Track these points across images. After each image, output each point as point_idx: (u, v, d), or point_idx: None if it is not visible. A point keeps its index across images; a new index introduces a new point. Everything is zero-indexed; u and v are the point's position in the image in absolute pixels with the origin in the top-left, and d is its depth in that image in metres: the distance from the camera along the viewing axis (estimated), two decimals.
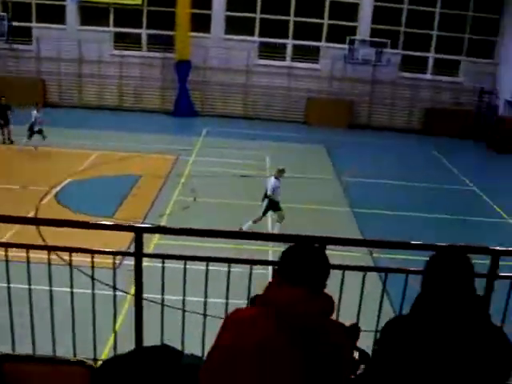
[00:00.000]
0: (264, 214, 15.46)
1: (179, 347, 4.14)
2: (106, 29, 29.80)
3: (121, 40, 30.48)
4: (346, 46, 29.24)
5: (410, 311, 2.86)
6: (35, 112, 21.49)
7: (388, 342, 2.82)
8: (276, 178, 15.50)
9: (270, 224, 15.56)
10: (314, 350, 2.71)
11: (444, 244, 4.18)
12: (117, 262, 4.60)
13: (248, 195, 17.97)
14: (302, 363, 2.69)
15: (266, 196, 15.45)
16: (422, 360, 2.68)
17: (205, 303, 4.46)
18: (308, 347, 2.70)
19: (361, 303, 4.25)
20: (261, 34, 29.91)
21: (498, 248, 4.27)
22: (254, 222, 15.20)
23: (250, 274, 4.22)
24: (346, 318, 3.82)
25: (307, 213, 16.94)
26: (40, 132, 21.35)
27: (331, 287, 3.60)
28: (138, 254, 4.13)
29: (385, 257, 12.63)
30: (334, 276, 4.18)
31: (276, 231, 14.84)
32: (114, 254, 4.39)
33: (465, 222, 17.46)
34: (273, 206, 15.42)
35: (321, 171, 21.55)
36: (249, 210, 16.60)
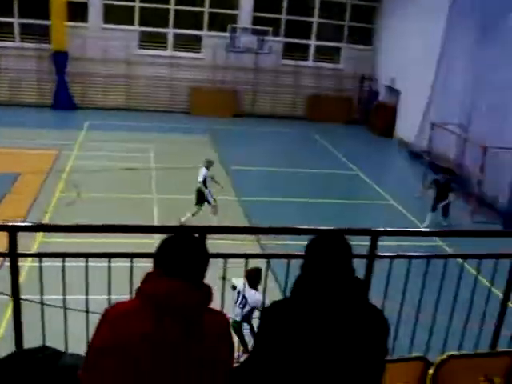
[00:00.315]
0: (198, 204, 15.49)
1: (62, 347, 4.02)
2: None
3: None
4: (228, 35, 29.29)
5: (289, 295, 2.88)
6: None
7: (267, 327, 2.83)
8: (206, 168, 15.59)
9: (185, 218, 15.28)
10: (196, 343, 2.69)
11: (325, 228, 4.27)
12: None
13: (133, 188, 17.74)
14: (184, 356, 2.66)
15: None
16: (303, 342, 2.72)
17: (86, 300, 4.36)
18: (190, 339, 2.67)
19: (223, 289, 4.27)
20: (141, 23, 29.38)
21: (376, 229, 4.42)
22: (193, 214, 15.32)
23: (131, 268, 4.15)
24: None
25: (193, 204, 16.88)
26: None
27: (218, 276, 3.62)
28: (13, 254, 3.98)
29: (273, 243, 12.84)
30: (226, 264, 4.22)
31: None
32: None
33: (350, 206, 18.02)
34: (201, 197, 15.44)
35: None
36: (135, 203, 16.40)
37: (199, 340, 2.69)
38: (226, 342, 2.84)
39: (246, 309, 9.48)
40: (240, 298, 9.53)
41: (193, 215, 15.40)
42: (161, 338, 2.63)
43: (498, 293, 5.65)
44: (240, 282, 9.47)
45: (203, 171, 15.56)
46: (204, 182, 15.47)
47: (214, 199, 15.58)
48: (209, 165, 15.78)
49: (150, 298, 2.68)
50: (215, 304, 2.93)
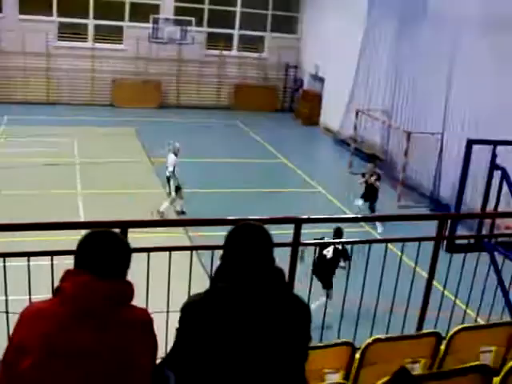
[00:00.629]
0: (176, 192, 15.56)
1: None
2: None
3: None
4: (150, 25, 28.84)
5: (209, 286, 2.84)
6: None
7: (187, 320, 2.78)
8: (175, 154, 15.57)
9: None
10: (109, 341, 2.62)
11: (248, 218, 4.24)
12: None
13: (57, 184, 17.29)
14: (94, 356, 2.58)
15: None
16: (223, 332, 2.68)
17: (6, 301, 4.23)
18: (102, 337, 2.60)
19: (169, 282, 4.22)
20: (60, 14, 28.53)
21: (299, 217, 4.42)
22: (171, 202, 15.50)
23: (52, 266, 4.03)
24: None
25: (119, 197, 16.62)
26: None
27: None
28: None
29: (200, 235, 12.79)
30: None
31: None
32: None
33: (277, 195, 18.10)
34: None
35: (131, 154, 21.21)
36: (59, 199, 16.00)
37: (113, 337, 2.62)
38: (145, 338, 2.76)
39: None
40: None
41: (171, 203, 15.58)
42: (69, 338, 2.56)
43: (424, 274, 5.77)
44: None
45: (172, 158, 15.50)
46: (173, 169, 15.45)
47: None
48: (177, 151, 15.66)
49: (67, 297, 2.60)
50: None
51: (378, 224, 15.58)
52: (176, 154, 15.66)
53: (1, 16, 27.41)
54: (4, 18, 27.36)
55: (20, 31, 27.27)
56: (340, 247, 10.12)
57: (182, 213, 15.66)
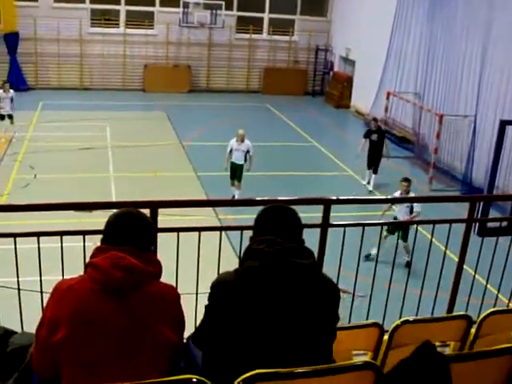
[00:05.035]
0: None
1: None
2: None
3: None
4: (181, 10, 28.86)
5: (239, 265, 2.88)
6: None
7: (216, 298, 2.82)
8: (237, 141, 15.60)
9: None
10: (134, 314, 2.71)
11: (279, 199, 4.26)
12: None
13: (90, 168, 17.51)
14: (126, 326, 2.68)
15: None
16: (253, 311, 2.72)
17: (40, 281, 4.33)
18: (128, 311, 2.70)
19: (198, 263, 4.28)
20: (92, 1, 28.75)
21: (328, 197, 4.43)
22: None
23: (84, 246, 4.12)
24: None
25: (153, 180, 16.78)
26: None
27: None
28: None
29: (231, 218, 12.85)
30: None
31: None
32: None
33: (308, 178, 18.07)
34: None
35: (163, 138, 21.35)
36: (92, 182, 16.20)
37: (138, 309, 2.72)
38: (171, 312, 2.85)
39: None
40: None
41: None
42: (98, 311, 2.66)
43: (455, 257, 5.73)
44: None
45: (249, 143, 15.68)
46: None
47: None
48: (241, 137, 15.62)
49: (95, 271, 2.72)
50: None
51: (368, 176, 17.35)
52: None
53: (36, 4, 27.68)
54: (39, 6, 27.63)
55: (54, 19, 27.56)
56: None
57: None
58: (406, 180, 12.63)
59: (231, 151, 15.54)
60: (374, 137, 17.54)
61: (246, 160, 15.58)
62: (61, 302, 2.71)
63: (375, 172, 17.54)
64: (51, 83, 28.49)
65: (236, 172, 15.57)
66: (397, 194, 12.36)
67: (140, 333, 2.70)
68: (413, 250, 5.28)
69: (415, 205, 11.80)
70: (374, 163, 17.52)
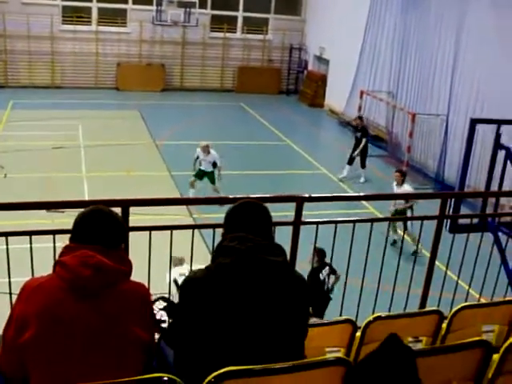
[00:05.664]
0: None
1: None
2: None
3: None
4: (154, 8, 28.71)
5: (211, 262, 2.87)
6: None
7: (187, 296, 2.80)
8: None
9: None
10: (105, 313, 2.68)
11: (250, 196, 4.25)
12: None
13: (62, 167, 17.34)
14: (95, 325, 2.65)
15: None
16: (224, 307, 2.71)
17: (9, 282, 4.28)
18: (97, 309, 2.68)
19: (170, 262, 4.25)
20: None
21: (300, 195, 4.44)
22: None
23: (54, 245, 4.07)
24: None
25: (126, 179, 16.69)
26: None
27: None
28: None
29: (204, 217, 12.83)
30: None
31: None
32: None
33: (282, 176, 18.11)
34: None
35: (136, 137, 21.24)
36: (64, 182, 16.05)
37: (108, 308, 2.69)
38: (141, 310, 2.82)
39: None
40: None
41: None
42: (67, 310, 2.64)
43: (427, 253, 5.78)
44: None
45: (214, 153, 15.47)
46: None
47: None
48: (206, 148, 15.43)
49: (64, 270, 2.69)
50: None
51: (344, 169, 17.91)
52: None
53: (6, 0, 27.29)
54: (8, 2, 27.24)
55: (24, 15, 27.21)
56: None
57: None
58: (399, 171, 13.72)
59: (197, 158, 15.46)
60: (358, 134, 18.15)
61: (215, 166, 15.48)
62: (29, 301, 2.68)
63: (363, 166, 18.11)
64: (22, 81, 28.13)
65: (207, 178, 15.52)
66: (394, 185, 13.31)
67: (110, 332, 2.67)
68: (385, 247, 5.30)
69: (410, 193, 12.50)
70: (361, 159, 18.11)
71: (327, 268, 9.15)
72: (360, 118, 18.87)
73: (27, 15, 27.22)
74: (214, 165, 15.39)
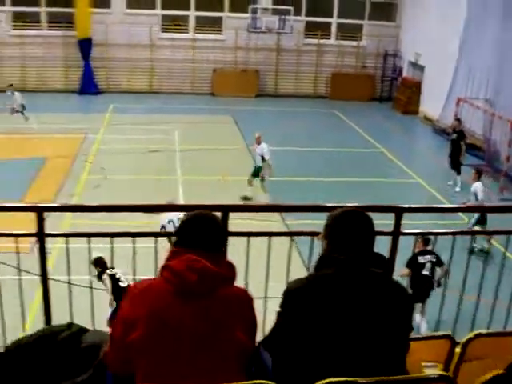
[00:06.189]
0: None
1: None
2: (2, 8, 28.33)
3: (19, 20, 29.14)
4: (249, 15, 29.07)
5: (313, 271, 2.87)
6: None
7: (290, 304, 2.82)
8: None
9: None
10: (209, 317, 2.74)
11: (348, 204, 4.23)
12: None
13: (158, 170, 17.81)
14: (201, 328, 2.71)
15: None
16: (325, 318, 2.70)
17: (113, 280, 4.43)
18: (203, 314, 2.73)
19: (268, 267, 4.29)
20: (163, 7, 29.32)
21: (400, 205, 4.37)
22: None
23: (156, 247, 4.20)
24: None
25: (219, 184, 16.92)
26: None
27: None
28: (40, 234, 4.04)
29: (297, 223, 12.82)
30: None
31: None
32: (14, 235, 4.21)
33: (375, 184, 17.88)
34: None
35: (230, 142, 21.53)
36: (160, 184, 16.46)
37: (212, 312, 2.74)
38: (244, 315, 2.87)
39: None
40: None
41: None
42: (173, 313, 2.70)
43: None
44: None
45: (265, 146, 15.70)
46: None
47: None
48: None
49: (171, 274, 2.76)
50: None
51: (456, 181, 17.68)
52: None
53: (109, 11, 28.40)
54: (112, 13, 28.34)
55: (126, 25, 28.24)
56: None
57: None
58: (475, 169, 14.53)
59: None
60: (454, 136, 18.05)
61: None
62: (137, 303, 2.76)
63: (458, 173, 17.76)
64: (122, 87, 29.17)
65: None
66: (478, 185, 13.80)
67: (216, 336, 2.73)
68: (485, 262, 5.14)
69: (479, 194, 13.52)
70: (454, 163, 17.85)
71: (428, 256, 9.41)
72: (458, 119, 18.79)
73: (128, 24, 28.20)
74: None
